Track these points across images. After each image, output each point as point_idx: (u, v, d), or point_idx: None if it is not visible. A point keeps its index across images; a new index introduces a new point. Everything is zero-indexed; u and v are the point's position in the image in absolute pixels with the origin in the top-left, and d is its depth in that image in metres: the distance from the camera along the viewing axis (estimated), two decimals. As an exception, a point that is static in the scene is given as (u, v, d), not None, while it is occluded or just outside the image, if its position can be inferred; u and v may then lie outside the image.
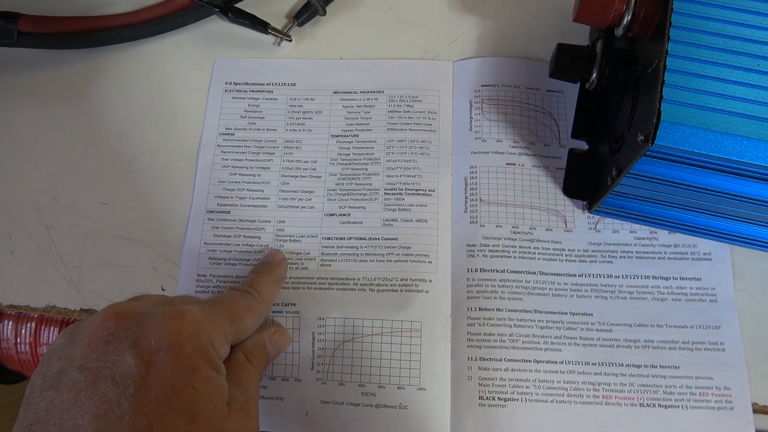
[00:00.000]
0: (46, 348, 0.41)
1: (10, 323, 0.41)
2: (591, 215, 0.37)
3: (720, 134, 0.26)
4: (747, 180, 0.28)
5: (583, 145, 0.38)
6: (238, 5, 0.42)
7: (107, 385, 0.24)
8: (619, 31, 0.32)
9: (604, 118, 0.37)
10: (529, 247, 0.36)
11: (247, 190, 0.38)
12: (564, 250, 0.36)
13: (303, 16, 0.42)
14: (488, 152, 0.38)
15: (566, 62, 0.36)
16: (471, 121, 0.39)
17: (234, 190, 0.38)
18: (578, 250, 0.36)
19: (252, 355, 0.31)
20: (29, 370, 0.41)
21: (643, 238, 0.36)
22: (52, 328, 0.41)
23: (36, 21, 0.40)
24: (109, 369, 0.24)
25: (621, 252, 0.36)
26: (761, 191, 0.29)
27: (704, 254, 0.36)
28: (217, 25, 0.43)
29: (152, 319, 0.26)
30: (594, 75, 0.35)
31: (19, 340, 0.41)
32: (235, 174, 0.39)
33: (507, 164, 0.38)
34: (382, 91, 0.41)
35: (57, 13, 0.41)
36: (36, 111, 0.41)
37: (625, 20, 0.31)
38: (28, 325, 0.41)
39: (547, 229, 0.37)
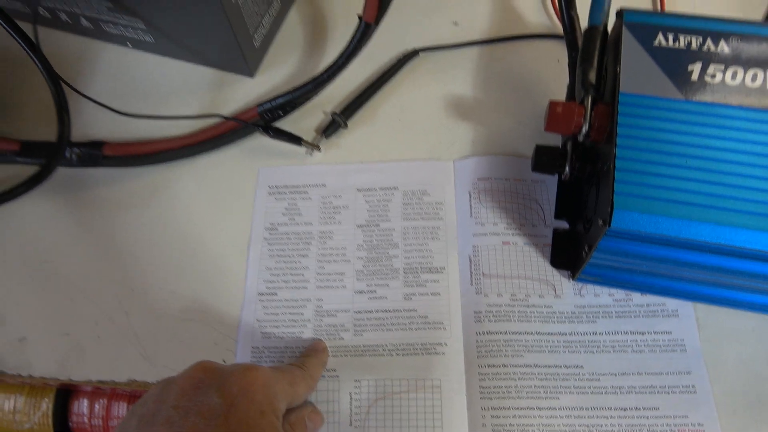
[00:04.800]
0: (117, 421, 0.47)
1: (85, 400, 0.48)
2: (575, 283, 0.43)
3: (660, 217, 0.33)
4: (690, 251, 0.36)
5: (564, 225, 0.45)
6: (276, 124, 0.51)
7: (197, 418, 0.28)
8: (581, 137, 0.40)
9: (578, 203, 0.44)
10: (526, 312, 0.43)
11: (290, 274, 0.46)
12: (555, 312, 0.43)
13: (329, 130, 0.51)
14: (487, 234, 0.46)
15: (544, 160, 0.43)
16: (471, 209, 0.47)
17: (279, 275, 0.46)
18: (567, 312, 0.43)
19: (295, 426, 0.36)
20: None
21: (620, 300, 0.43)
22: (121, 403, 0.48)
23: (116, 146, 0.49)
24: (198, 407, 0.29)
25: (603, 312, 0.43)
26: (705, 258, 0.36)
27: (672, 311, 0.42)
28: (259, 141, 0.51)
29: (232, 373, 0.32)
30: (567, 169, 0.41)
31: (93, 414, 0.48)
32: (280, 262, 0.47)
33: (503, 243, 0.45)
34: (397, 188, 0.49)
35: (130, 139, 0.51)
36: (113, 217, 0.49)
37: (584, 129, 0.38)
38: (101, 401, 0.47)
39: (539, 296, 0.44)
